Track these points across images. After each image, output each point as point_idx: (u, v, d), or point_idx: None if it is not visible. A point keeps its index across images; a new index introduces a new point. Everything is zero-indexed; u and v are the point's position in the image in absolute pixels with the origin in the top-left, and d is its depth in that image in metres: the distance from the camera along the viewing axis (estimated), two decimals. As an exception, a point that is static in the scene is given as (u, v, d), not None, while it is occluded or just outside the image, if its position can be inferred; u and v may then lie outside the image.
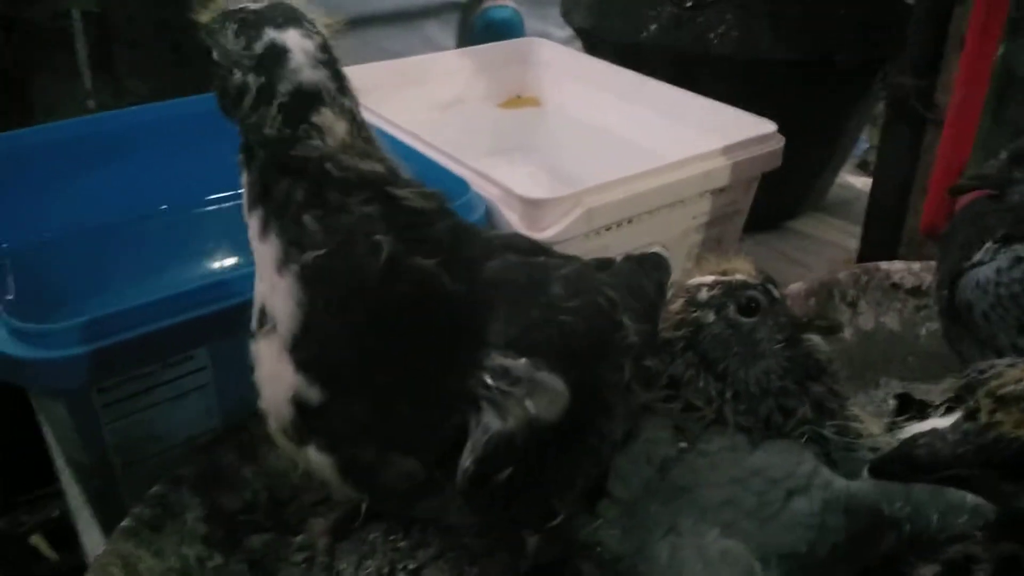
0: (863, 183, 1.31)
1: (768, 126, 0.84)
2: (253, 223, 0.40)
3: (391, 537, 0.60)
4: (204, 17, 0.40)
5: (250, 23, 0.39)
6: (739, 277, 0.51)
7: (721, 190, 0.82)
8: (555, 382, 0.40)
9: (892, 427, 0.55)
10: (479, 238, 0.45)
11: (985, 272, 0.63)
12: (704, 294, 0.50)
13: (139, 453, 0.60)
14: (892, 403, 0.59)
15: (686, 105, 0.92)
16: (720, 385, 0.49)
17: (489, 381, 0.39)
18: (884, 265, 0.80)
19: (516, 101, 1.14)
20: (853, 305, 0.80)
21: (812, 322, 0.52)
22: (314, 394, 0.39)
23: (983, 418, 0.36)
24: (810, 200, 1.20)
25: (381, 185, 0.39)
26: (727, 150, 0.80)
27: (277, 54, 0.38)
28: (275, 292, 0.39)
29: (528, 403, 0.39)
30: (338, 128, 0.39)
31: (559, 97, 1.11)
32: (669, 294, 0.55)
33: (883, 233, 0.88)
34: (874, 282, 0.80)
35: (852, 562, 0.46)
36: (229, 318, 0.57)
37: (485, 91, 1.11)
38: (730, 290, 0.50)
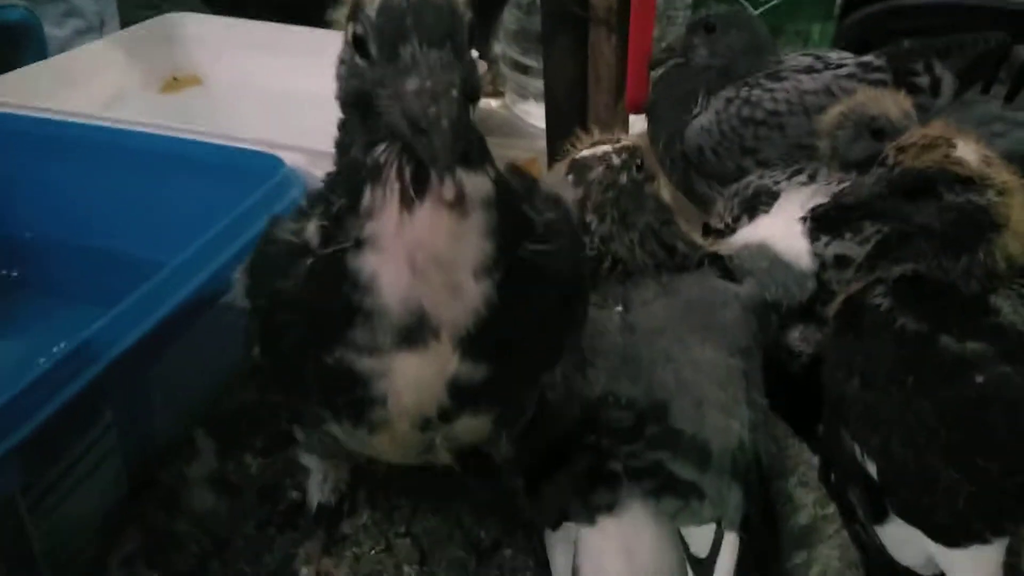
0: (485, 102, 1.49)
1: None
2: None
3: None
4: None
5: None
6: (626, 142, 0.61)
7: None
8: None
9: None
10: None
11: (706, 117, 0.82)
12: (616, 159, 0.59)
13: (66, 547, 0.50)
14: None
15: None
16: (635, 234, 0.59)
17: None
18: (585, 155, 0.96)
19: (174, 84, 1.05)
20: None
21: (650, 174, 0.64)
22: (479, 372, 0.41)
23: (890, 161, 0.52)
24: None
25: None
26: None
27: None
28: (458, 298, 0.39)
29: None
30: None
31: (223, 72, 1.05)
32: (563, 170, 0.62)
33: (570, 130, 1.04)
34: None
35: (760, 346, 0.61)
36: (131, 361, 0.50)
37: (141, 79, 1.00)
38: (633, 153, 0.60)
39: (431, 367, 0.40)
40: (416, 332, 0.39)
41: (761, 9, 0.99)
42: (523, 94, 1.31)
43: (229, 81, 1.04)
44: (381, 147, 0.37)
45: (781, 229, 0.68)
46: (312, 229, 0.40)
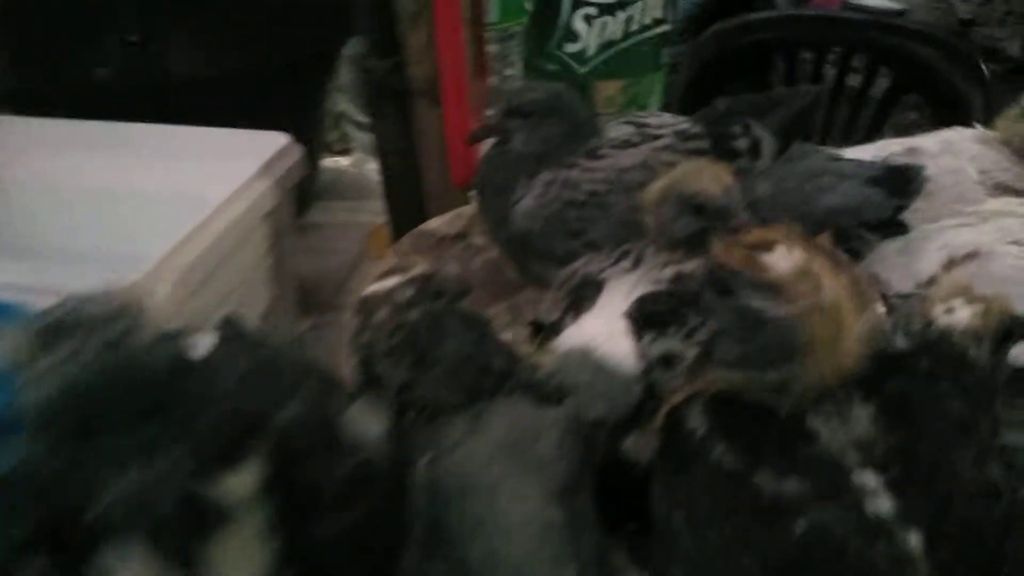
0: (334, 161, 1.42)
1: (282, 138, 0.85)
2: None
3: None
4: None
5: None
6: (418, 270, 0.54)
7: (270, 212, 0.81)
8: None
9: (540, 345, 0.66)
10: None
11: (527, 203, 0.77)
12: (403, 295, 0.52)
13: None
14: (527, 332, 0.69)
15: (181, 140, 0.88)
16: (440, 371, 0.53)
17: None
18: (427, 227, 0.91)
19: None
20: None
21: (462, 289, 0.58)
22: None
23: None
24: (309, 193, 1.25)
25: None
26: (263, 171, 0.80)
27: None
28: None
29: None
30: None
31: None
32: (349, 314, 0.55)
33: (406, 201, 0.98)
34: (425, 245, 0.90)
35: (590, 471, 0.55)
36: None
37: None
38: (423, 284, 0.53)
39: None
40: None
41: (586, 68, 0.95)
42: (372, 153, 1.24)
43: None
44: None
45: (604, 328, 0.63)
46: None
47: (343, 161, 1.46)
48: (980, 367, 0.50)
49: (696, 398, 0.52)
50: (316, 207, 1.24)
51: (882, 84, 1.43)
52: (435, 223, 0.91)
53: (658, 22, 0.95)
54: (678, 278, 0.66)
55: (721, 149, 0.73)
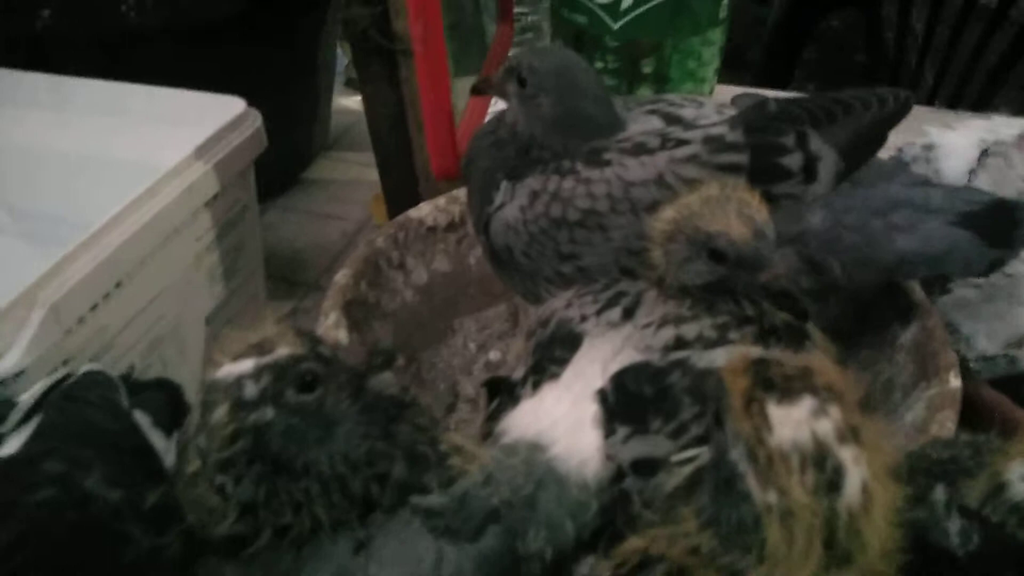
0: (356, 102, 1.24)
1: (236, 105, 0.71)
2: None
3: None
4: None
5: None
6: (283, 351, 0.40)
7: (215, 197, 0.68)
8: None
9: (490, 420, 0.52)
10: None
11: (511, 213, 0.61)
12: (252, 389, 0.39)
13: None
14: (483, 392, 0.55)
15: (124, 101, 0.74)
16: (304, 484, 0.40)
17: None
18: (414, 213, 0.76)
19: None
20: (402, 267, 0.74)
21: (370, 363, 0.44)
22: None
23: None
24: (316, 142, 1.11)
25: None
26: (204, 149, 0.67)
27: None
28: None
29: None
30: None
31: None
32: (201, 398, 0.42)
33: (398, 172, 0.84)
34: (411, 235, 0.75)
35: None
36: None
37: None
38: (282, 372, 0.40)
39: None
40: None
41: (620, 23, 0.76)
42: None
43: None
44: None
45: (566, 414, 0.48)
46: None
47: (354, 100, 1.27)
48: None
49: (654, 565, 0.38)
50: (325, 158, 1.11)
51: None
52: (425, 209, 0.76)
53: (714, -31, 0.75)
54: (677, 345, 0.50)
55: (765, 166, 0.55)
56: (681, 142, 0.57)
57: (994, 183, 0.69)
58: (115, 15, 0.77)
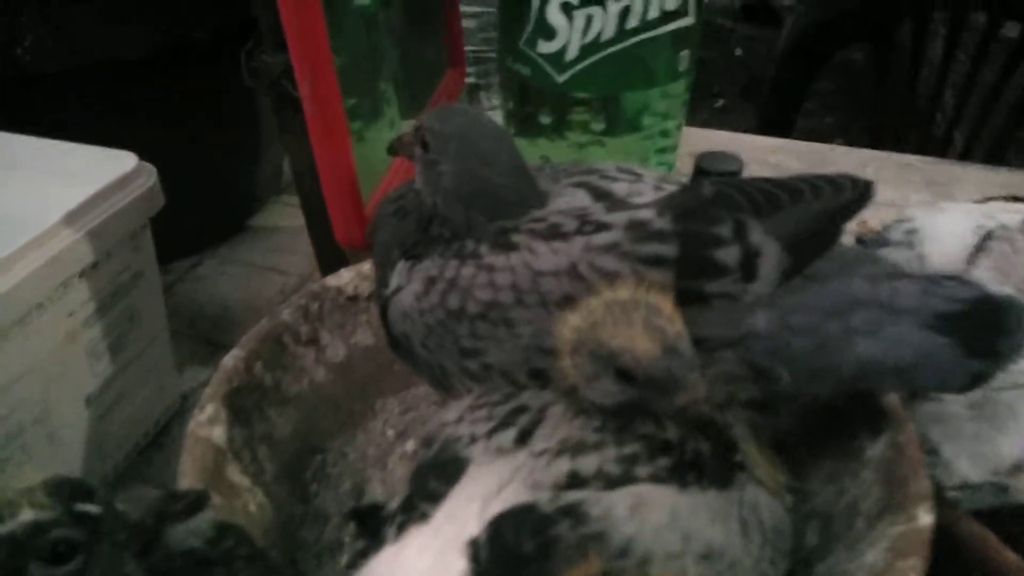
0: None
1: (127, 160, 0.64)
2: None
3: None
4: None
5: None
6: (25, 517, 0.32)
7: (95, 265, 0.61)
8: None
9: (350, 567, 0.43)
10: None
11: (406, 300, 0.52)
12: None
13: None
14: (350, 527, 0.47)
15: (7, 154, 0.67)
16: None
17: None
18: (332, 281, 0.67)
19: None
20: (314, 342, 0.66)
21: (164, 511, 0.36)
22: None
23: None
24: (264, 186, 1.03)
25: None
26: (79, 213, 0.59)
27: None
28: None
29: None
30: None
31: None
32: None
33: (323, 228, 0.76)
34: (328, 305, 0.67)
35: None
36: None
37: None
38: (18, 546, 0.32)
39: None
40: None
41: (566, 75, 0.68)
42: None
43: None
44: None
45: (428, 571, 0.40)
46: None
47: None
48: None
49: None
50: (275, 203, 1.03)
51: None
52: (346, 276, 0.68)
53: (670, 16, 0.66)
54: (571, 483, 0.41)
55: (695, 260, 0.46)
56: (601, 226, 0.48)
57: (999, 272, 0.59)
58: (9, 57, 0.70)
